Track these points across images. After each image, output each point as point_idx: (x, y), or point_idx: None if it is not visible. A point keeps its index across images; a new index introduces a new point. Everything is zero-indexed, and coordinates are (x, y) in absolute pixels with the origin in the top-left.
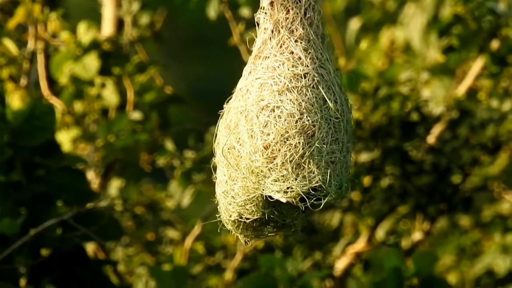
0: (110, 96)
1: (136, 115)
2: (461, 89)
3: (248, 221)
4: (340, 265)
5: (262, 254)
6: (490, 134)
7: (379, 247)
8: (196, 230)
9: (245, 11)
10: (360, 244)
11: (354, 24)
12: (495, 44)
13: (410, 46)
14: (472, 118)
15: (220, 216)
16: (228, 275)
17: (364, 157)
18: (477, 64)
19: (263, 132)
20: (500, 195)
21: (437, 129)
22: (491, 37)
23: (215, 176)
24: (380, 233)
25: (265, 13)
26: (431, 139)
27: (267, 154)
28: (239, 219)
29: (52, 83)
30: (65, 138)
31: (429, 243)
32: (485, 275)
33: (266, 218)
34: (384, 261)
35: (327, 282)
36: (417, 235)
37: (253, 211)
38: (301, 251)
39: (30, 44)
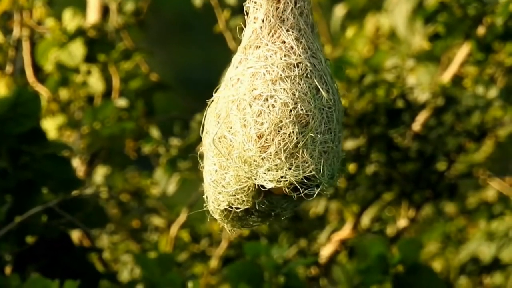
0: (95, 83)
1: (121, 103)
2: (447, 76)
3: (237, 210)
4: (325, 252)
5: (247, 242)
6: (476, 121)
7: (364, 234)
8: (181, 217)
9: None
10: (345, 231)
11: (339, 11)
12: (480, 31)
13: (395, 33)
14: (457, 105)
15: (207, 205)
16: (214, 263)
17: (350, 144)
18: (463, 51)
19: (256, 121)
20: (485, 182)
21: (422, 116)
22: (476, 24)
23: (202, 166)
24: (365, 220)
25: (255, 2)
26: (416, 126)
27: (260, 144)
28: (228, 209)
29: (38, 70)
30: (50, 126)
31: (414, 230)
32: (470, 262)
33: (256, 207)
34: (369, 249)
35: (312, 269)
36: (402, 222)
37: (243, 200)
38: (287, 239)
39: (16, 31)
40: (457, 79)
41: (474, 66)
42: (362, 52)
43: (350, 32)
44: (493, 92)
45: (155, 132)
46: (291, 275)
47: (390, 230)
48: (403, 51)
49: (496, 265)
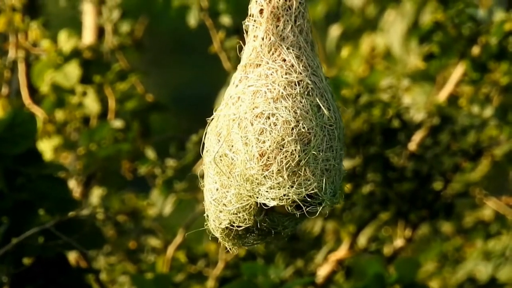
0: (91, 104)
1: (117, 123)
2: (442, 96)
3: (239, 229)
4: (322, 272)
5: (244, 262)
6: (471, 141)
7: (361, 254)
8: (178, 238)
9: (225, 19)
10: (342, 251)
11: (335, 31)
12: (475, 51)
13: (390, 52)
14: (453, 124)
15: (207, 224)
16: (210, 283)
17: (346, 164)
18: (458, 71)
19: (258, 139)
20: (482, 201)
21: (418, 136)
22: (471, 43)
23: (203, 184)
24: (362, 240)
25: (254, 20)
26: (412, 145)
27: (262, 162)
28: (230, 227)
29: (33, 91)
30: (46, 147)
31: (411, 249)
32: (467, 282)
33: (257, 226)
34: (366, 268)
35: None
36: (399, 242)
37: (245, 219)
38: (283, 259)
39: (11, 53)
40: (453, 99)
41: (469, 86)
42: (358, 72)
43: (345, 52)
44: (488, 111)
45: (151, 153)
46: None
47: (386, 250)
48: (398, 70)
49: (493, 284)
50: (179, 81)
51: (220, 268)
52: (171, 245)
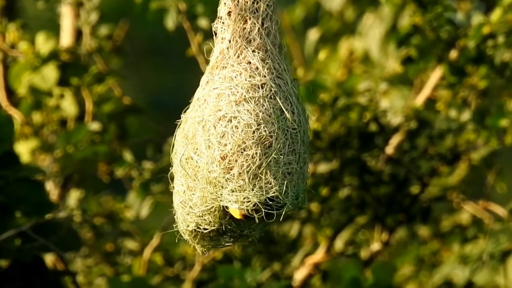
0: (68, 107)
1: (94, 126)
2: (420, 100)
3: (205, 231)
4: (299, 276)
5: (220, 265)
6: (449, 145)
7: (337, 257)
8: (155, 241)
9: (203, 22)
10: (318, 255)
11: (313, 34)
12: (453, 55)
13: (368, 56)
14: (430, 128)
15: (177, 226)
16: (187, 286)
17: (323, 167)
18: (436, 74)
19: (220, 142)
20: (459, 205)
21: (395, 140)
22: (449, 47)
23: (172, 186)
24: (339, 244)
25: (223, 22)
26: (389, 149)
27: (224, 165)
28: (197, 229)
29: (11, 93)
30: (23, 149)
31: (388, 253)
32: (444, 286)
33: (224, 228)
34: (343, 272)
35: None
36: (375, 246)
37: (210, 221)
38: (260, 262)
39: None
40: (430, 103)
41: (447, 90)
42: (336, 75)
43: (322, 55)
44: (466, 115)
45: (128, 156)
46: None
47: (363, 254)
48: (376, 74)
49: None
50: (157, 84)
51: (196, 271)
52: (148, 248)
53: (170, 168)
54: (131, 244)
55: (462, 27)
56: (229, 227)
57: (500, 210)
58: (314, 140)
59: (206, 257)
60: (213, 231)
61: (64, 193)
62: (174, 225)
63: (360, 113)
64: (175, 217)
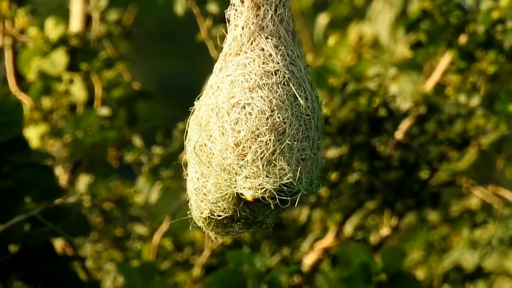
0: (78, 92)
1: (104, 111)
2: (429, 85)
3: (219, 218)
4: (308, 260)
5: (230, 250)
6: (458, 130)
7: (347, 242)
8: (164, 226)
9: (212, 7)
10: (328, 240)
11: (322, 20)
12: (462, 40)
13: (378, 41)
14: (440, 113)
15: (191, 213)
16: (196, 271)
17: (332, 152)
18: (445, 60)
19: (233, 129)
20: (468, 190)
21: (405, 125)
22: (458, 32)
23: (186, 173)
24: (348, 229)
25: (236, 9)
26: (399, 134)
27: (238, 152)
28: (211, 216)
29: (20, 79)
30: (33, 134)
31: (397, 238)
32: (453, 271)
33: (238, 215)
34: (352, 257)
35: (295, 278)
36: (385, 231)
37: (225, 208)
38: (269, 247)
39: None
40: (440, 88)
41: (456, 75)
42: (345, 60)
43: (332, 40)
44: (475, 101)
45: (137, 141)
46: (273, 284)
47: (373, 239)
48: (385, 59)
49: (479, 273)
50: (166, 69)
51: (206, 256)
52: (157, 233)
53: (180, 154)
54: (140, 229)
55: (471, 12)
56: (243, 213)
57: (510, 195)
58: (323, 125)
59: (215, 242)
60: (227, 218)
61: (73, 178)
62: (188, 212)
63: (369, 98)
64: (189, 204)
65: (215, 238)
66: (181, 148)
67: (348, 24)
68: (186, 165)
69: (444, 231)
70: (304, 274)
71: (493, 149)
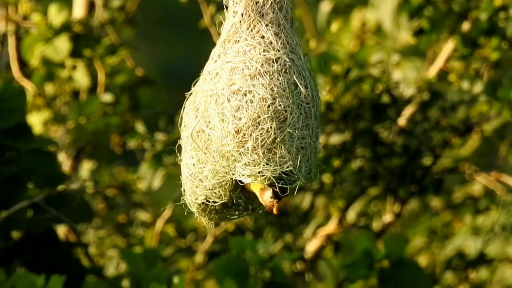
0: (81, 78)
1: (107, 97)
2: (432, 71)
3: (214, 204)
4: (311, 247)
5: (232, 237)
6: (461, 116)
7: (350, 229)
8: (167, 212)
9: None
10: (331, 226)
11: (325, 6)
12: (465, 26)
13: (381, 28)
14: (443, 100)
15: (184, 198)
16: (199, 258)
17: (335, 139)
18: (448, 46)
19: (234, 116)
20: (471, 176)
21: (408, 111)
22: (461, 19)
23: (180, 159)
24: (351, 215)
25: None
26: (401, 121)
27: (238, 139)
28: (206, 202)
29: (23, 65)
30: (36, 120)
31: (400, 225)
32: (456, 257)
33: (233, 202)
34: (355, 243)
35: (298, 264)
36: (387, 217)
37: (221, 194)
38: (272, 234)
39: (1, 27)
40: (443, 74)
41: (459, 61)
42: (348, 47)
43: (334, 26)
44: (478, 87)
45: (140, 127)
46: (276, 270)
47: (375, 225)
48: (388, 46)
49: (481, 259)
50: (169, 55)
51: (209, 242)
52: (160, 219)
53: (179, 141)
54: (143, 216)
55: None
56: (239, 200)
57: None
58: (326, 111)
59: (218, 228)
60: (222, 204)
61: (76, 165)
62: (182, 198)
63: (372, 85)
64: (181, 189)
65: (209, 224)
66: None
67: (351, 11)
68: (181, 150)
69: (447, 217)
70: (307, 261)
71: (496, 136)
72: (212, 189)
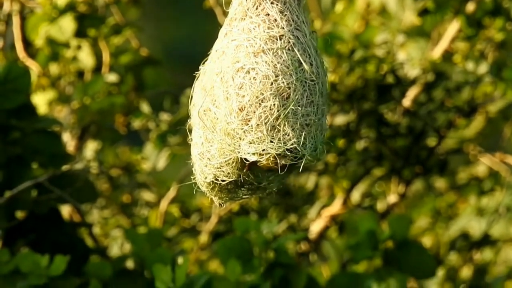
0: (85, 58)
1: (111, 77)
2: (437, 52)
3: (223, 183)
4: (316, 227)
5: (237, 217)
6: (466, 97)
7: (354, 209)
8: (172, 192)
9: None
10: (335, 207)
11: None
12: (470, 7)
13: (386, 8)
14: (447, 80)
15: (195, 178)
16: (203, 238)
17: (340, 119)
18: (453, 27)
19: (238, 94)
20: (476, 157)
21: (412, 92)
22: None
23: (191, 138)
24: (356, 196)
25: None
26: (406, 102)
27: (242, 116)
28: (215, 181)
29: (28, 45)
30: (40, 101)
31: (405, 205)
32: (460, 238)
33: (242, 180)
34: (359, 224)
35: (302, 245)
36: (392, 198)
37: (228, 173)
38: (276, 214)
39: (6, 6)
40: (448, 55)
41: (464, 42)
42: (353, 27)
43: (339, 6)
44: (483, 68)
45: (145, 107)
46: (280, 251)
47: (380, 206)
48: (393, 26)
49: (486, 240)
50: (173, 35)
51: (213, 222)
52: (164, 199)
53: (187, 120)
54: (147, 196)
55: None
56: (247, 179)
57: None
58: (331, 92)
59: (223, 209)
60: (231, 183)
61: (80, 145)
62: (192, 177)
63: (377, 65)
64: (192, 169)
65: (219, 203)
66: (189, 114)
67: None
68: (191, 130)
69: (451, 198)
70: (311, 241)
71: (501, 117)
72: (219, 168)
